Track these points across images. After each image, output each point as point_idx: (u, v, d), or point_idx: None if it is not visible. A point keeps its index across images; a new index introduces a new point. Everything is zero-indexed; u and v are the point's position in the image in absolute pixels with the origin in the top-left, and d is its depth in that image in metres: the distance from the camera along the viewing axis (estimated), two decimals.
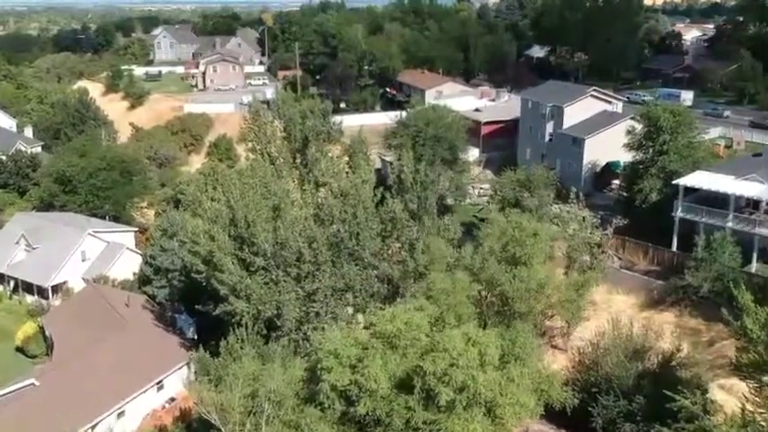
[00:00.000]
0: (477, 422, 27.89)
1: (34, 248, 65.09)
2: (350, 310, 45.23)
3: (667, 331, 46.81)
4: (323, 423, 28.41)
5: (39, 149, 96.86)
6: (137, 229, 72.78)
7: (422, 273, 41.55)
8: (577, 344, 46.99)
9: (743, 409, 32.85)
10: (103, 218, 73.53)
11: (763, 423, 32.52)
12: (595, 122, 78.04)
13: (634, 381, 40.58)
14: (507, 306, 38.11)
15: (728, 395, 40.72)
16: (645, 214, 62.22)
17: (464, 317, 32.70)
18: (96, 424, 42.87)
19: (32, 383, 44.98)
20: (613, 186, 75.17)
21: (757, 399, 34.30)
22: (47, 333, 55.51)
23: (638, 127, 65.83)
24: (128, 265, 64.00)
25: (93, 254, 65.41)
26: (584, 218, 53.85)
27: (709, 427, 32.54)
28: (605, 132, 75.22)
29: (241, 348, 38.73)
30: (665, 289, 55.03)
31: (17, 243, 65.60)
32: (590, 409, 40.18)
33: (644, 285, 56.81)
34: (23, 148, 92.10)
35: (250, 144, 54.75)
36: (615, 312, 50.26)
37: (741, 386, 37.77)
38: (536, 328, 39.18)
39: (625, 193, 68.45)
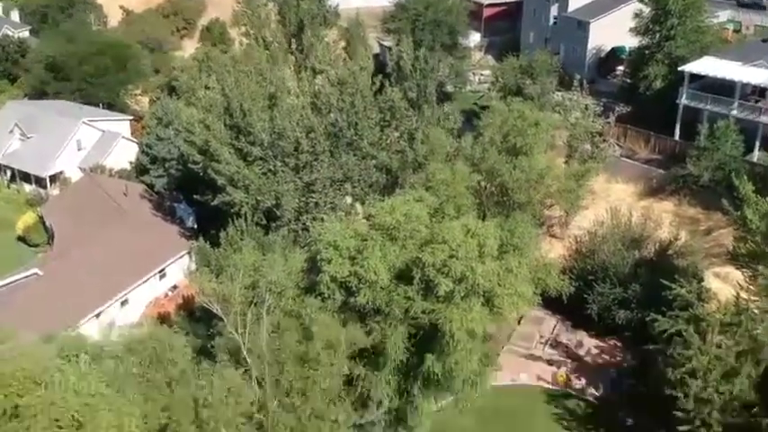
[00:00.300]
0: (476, 311, 28.25)
1: (29, 137, 64.22)
2: (349, 200, 45.14)
3: (666, 220, 47.10)
4: (323, 312, 28.77)
5: (26, 34, 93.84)
6: (132, 117, 71.53)
7: (421, 163, 41.11)
8: (575, 233, 47.33)
9: (737, 297, 33.44)
10: (97, 106, 72.12)
11: (756, 311, 33.16)
12: (602, 5, 75.12)
13: (630, 269, 41.13)
14: (507, 196, 37.93)
15: (723, 283, 41.34)
16: (649, 102, 61.12)
17: (463, 208, 32.49)
18: (100, 312, 43.63)
19: (36, 273, 45.47)
20: (618, 73, 73.38)
21: (752, 287, 34.86)
22: (47, 223, 55.68)
23: (646, 10, 63.48)
24: (124, 154, 63.32)
25: (88, 143, 64.56)
26: (586, 106, 52.88)
27: (703, 315, 33.18)
28: (611, 16, 72.56)
29: (241, 239, 38.86)
30: (666, 178, 54.85)
31: (11, 132, 64.66)
32: (585, 296, 40.91)
33: (644, 174, 56.56)
34: (10, 33, 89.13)
35: (243, 28, 52.99)
36: (614, 201, 50.37)
37: (736, 274, 38.38)
38: (534, 217, 39.17)
39: (629, 80, 67.00)
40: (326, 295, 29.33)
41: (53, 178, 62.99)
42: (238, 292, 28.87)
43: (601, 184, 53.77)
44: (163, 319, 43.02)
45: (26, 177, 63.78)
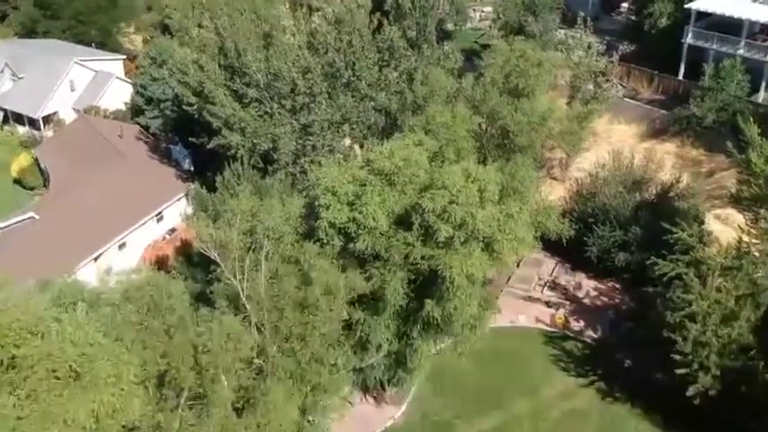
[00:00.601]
0: (476, 257, 28.02)
1: (20, 78, 62.95)
2: (347, 142, 44.49)
3: (668, 162, 46.60)
4: (322, 258, 28.49)
5: None
6: (125, 56, 70.02)
7: (420, 105, 40.25)
8: (576, 175, 46.87)
9: (739, 240, 33.22)
10: (89, 45, 70.51)
11: (756, 254, 32.99)
12: None
13: (631, 212, 40.84)
14: (508, 139, 37.24)
15: (724, 226, 41.15)
16: (653, 40, 59.82)
17: (464, 151, 31.93)
18: (98, 256, 43.43)
19: (32, 216, 45.09)
20: (622, 10, 71.72)
21: (753, 230, 34.61)
22: (42, 165, 55.04)
23: None
24: (118, 94, 62.16)
25: (81, 83, 63.33)
26: (589, 44, 51.63)
27: (704, 258, 33.02)
28: None
29: (237, 183, 38.35)
30: (669, 119, 54.08)
31: (2, 72, 63.33)
32: (585, 239, 40.73)
33: (647, 115, 55.77)
34: None
35: None
36: (616, 143, 49.83)
37: (737, 217, 38.10)
38: (535, 160, 38.64)
39: (634, 18, 65.45)
40: (325, 241, 29.03)
41: (47, 119, 62.02)
42: (236, 238, 28.51)
43: (603, 125, 53.04)
44: (161, 262, 42.82)
45: (19, 119, 62.79)
